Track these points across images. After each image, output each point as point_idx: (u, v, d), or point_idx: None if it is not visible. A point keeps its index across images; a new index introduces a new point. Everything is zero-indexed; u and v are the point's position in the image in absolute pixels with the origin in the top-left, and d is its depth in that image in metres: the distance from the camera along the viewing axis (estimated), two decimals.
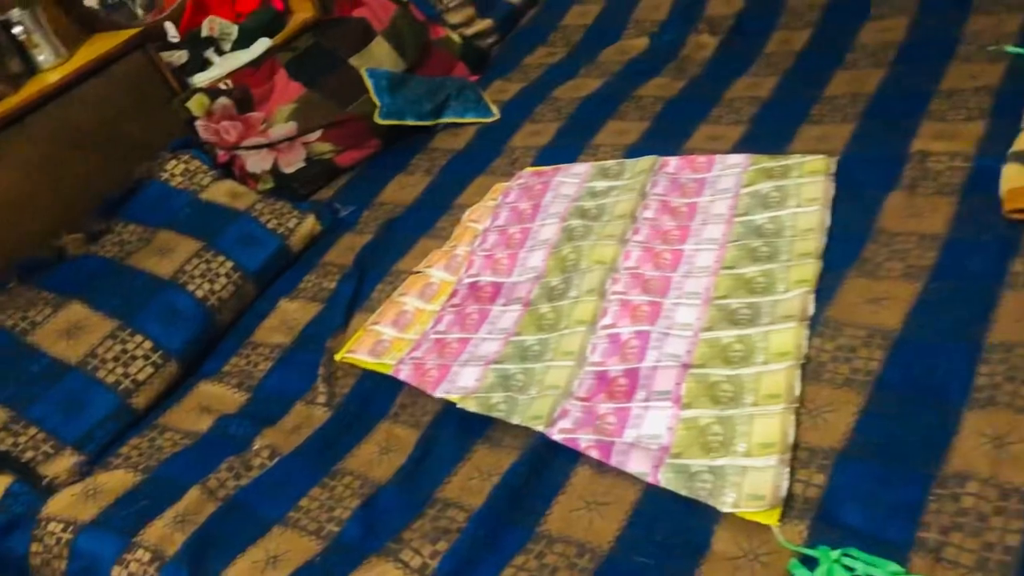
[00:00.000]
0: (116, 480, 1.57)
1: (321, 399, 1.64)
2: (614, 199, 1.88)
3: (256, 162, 2.26)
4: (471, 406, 1.49)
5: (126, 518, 1.47)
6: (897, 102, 1.90)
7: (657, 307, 1.57)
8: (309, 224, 2.10)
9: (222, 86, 2.29)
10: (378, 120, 2.31)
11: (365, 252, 2.01)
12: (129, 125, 2.17)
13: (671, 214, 1.80)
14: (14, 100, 2.01)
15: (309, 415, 1.62)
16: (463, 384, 1.54)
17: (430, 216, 2.07)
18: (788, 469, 1.22)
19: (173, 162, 2.13)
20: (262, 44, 2.45)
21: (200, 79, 2.35)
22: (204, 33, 2.46)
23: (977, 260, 1.44)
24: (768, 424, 1.29)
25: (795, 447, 1.26)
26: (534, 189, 2.00)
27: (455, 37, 2.67)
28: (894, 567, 1.06)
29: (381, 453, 1.50)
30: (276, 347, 1.83)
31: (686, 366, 1.43)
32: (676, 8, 2.60)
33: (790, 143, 1.89)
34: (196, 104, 2.22)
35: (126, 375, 1.72)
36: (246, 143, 2.24)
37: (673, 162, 1.94)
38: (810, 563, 1.10)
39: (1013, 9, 2.05)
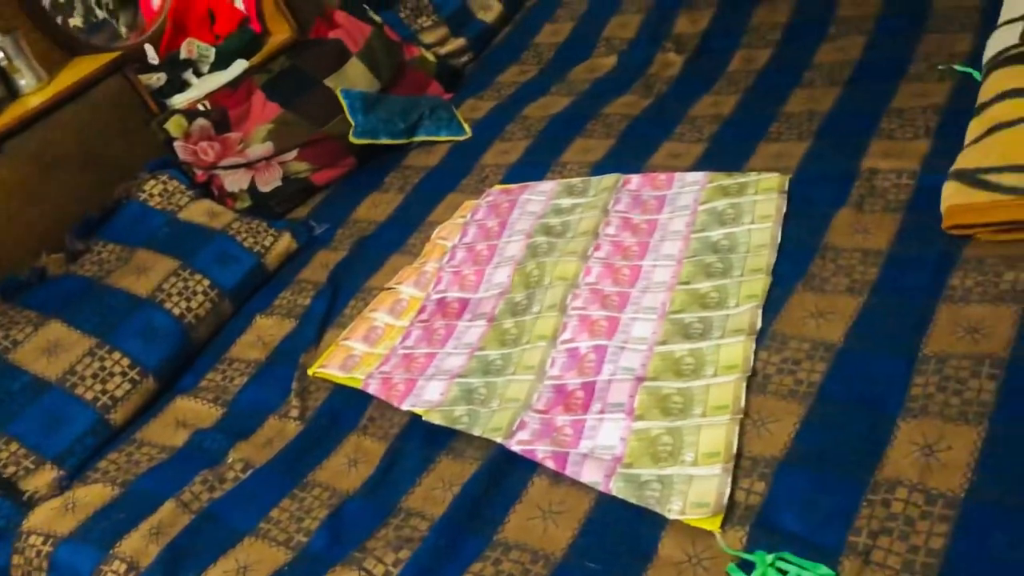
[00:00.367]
0: (94, 494, 1.62)
1: (294, 413, 1.70)
2: (578, 216, 1.94)
3: (233, 181, 2.32)
4: (436, 419, 1.55)
5: (103, 531, 1.53)
6: (850, 120, 1.96)
7: (615, 322, 1.63)
8: (285, 242, 2.16)
9: (200, 107, 2.35)
10: (353, 139, 2.37)
11: (339, 269, 2.07)
12: (109, 147, 2.23)
13: (632, 231, 1.86)
14: None
15: (282, 429, 1.68)
16: (428, 398, 1.60)
17: (402, 233, 2.14)
18: (731, 477, 1.28)
19: (151, 182, 2.18)
20: (239, 66, 2.52)
21: (178, 100, 2.41)
22: (183, 55, 2.52)
23: (917, 275, 1.50)
24: (714, 434, 1.35)
25: (739, 456, 1.32)
26: (501, 207, 2.06)
27: (429, 56, 2.73)
28: (825, 570, 1.12)
29: (350, 465, 1.56)
30: (252, 363, 1.89)
31: (640, 379, 1.49)
32: (644, 27, 2.66)
33: (748, 160, 1.96)
34: (174, 125, 2.28)
35: (104, 392, 1.78)
36: (224, 163, 2.30)
37: (635, 179, 2.00)
38: (747, 567, 1.17)
39: (965, 28, 2.12)
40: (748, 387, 1.42)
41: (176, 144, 2.28)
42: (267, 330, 1.96)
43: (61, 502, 1.62)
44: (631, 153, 2.13)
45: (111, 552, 1.48)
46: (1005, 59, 1.72)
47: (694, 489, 1.28)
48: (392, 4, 2.85)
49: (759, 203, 1.79)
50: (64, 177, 2.14)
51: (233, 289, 2.04)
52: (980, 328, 1.36)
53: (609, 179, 2.02)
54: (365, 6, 2.74)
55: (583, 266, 1.77)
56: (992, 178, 1.50)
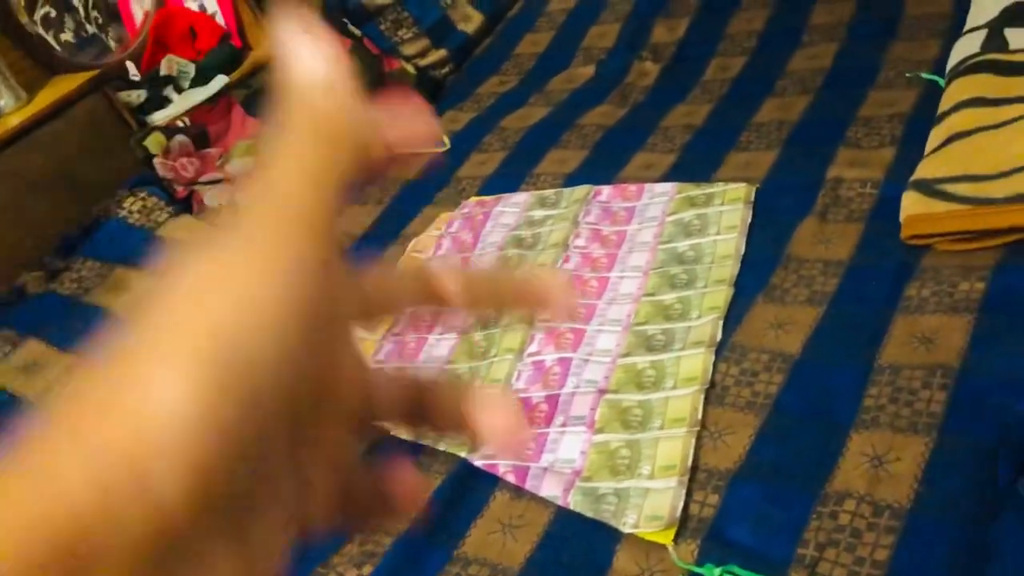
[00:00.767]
0: None
1: None
2: (549, 228, 1.96)
3: (214, 196, 2.35)
4: (404, 433, 1.56)
5: None
6: (818, 128, 1.98)
7: (580, 334, 1.65)
8: None
9: (179, 123, 2.38)
10: None
11: None
12: (88, 166, 2.26)
13: (601, 242, 1.88)
14: None
15: None
16: None
17: (379, 247, 2.15)
18: (685, 490, 1.30)
19: (131, 199, 2.21)
20: (219, 81, 2.54)
21: (158, 117, 2.43)
22: (163, 72, 2.54)
23: (875, 285, 1.51)
24: (671, 447, 1.36)
25: (695, 469, 1.34)
26: (476, 219, 2.08)
27: (409, 68, 2.75)
28: None
29: None
30: None
31: (602, 391, 1.51)
32: (622, 36, 2.68)
33: (717, 170, 1.97)
34: (153, 142, 2.30)
35: None
36: (203, 179, 2.33)
37: (606, 191, 2.02)
38: None
39: (935, 35, 2.13)
40: (707, 399, 1.43)
41: (156, 161, 2.31)
42: None
43: None
44: (604, 164, 2.14)
45: None
46: (966, 68, 1.73)
47: (649, 502, 1.29)
48: (372, 17, 2.87)
49: (725, 214, 1.81)
50: (43, 196, 2.17)
51: None
52: (934, 338, 1.38)
53: (580, 190, 2.04)
54: (345, 20, 2.77)
55: None
56: (949, 188, 1.51)
